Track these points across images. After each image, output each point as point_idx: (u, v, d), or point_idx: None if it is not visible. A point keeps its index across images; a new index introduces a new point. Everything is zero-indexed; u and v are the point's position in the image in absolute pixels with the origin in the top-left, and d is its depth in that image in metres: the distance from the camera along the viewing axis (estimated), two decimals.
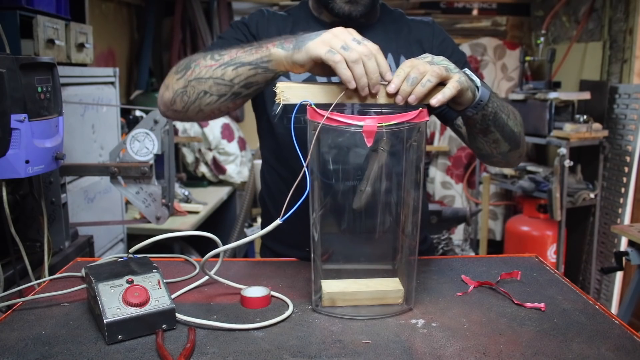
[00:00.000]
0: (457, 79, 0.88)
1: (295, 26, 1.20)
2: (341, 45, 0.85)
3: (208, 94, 0.99)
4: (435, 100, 0.87)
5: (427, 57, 0.91)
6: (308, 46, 0.87)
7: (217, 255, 0.93)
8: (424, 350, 0.79)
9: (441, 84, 0.88)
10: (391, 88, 0.86)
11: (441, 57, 0.91)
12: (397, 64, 1.17)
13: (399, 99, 0.86)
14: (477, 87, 0.95)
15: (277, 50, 0.92)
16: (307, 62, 0.88)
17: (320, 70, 0.90)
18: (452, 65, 0.90)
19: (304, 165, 0.83)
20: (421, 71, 0.86)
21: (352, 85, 0.84)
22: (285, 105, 0.88)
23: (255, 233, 0.89)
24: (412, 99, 0.86)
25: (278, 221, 0.86)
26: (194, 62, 1.01)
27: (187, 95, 1.00)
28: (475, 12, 3.88)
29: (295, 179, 0.83)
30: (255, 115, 1.27)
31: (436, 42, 1.22)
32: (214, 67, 0.97)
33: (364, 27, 1.17)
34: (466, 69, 0.96)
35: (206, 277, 1.01)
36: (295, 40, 0.91)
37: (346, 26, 0.90)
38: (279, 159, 1.23)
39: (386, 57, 1.16)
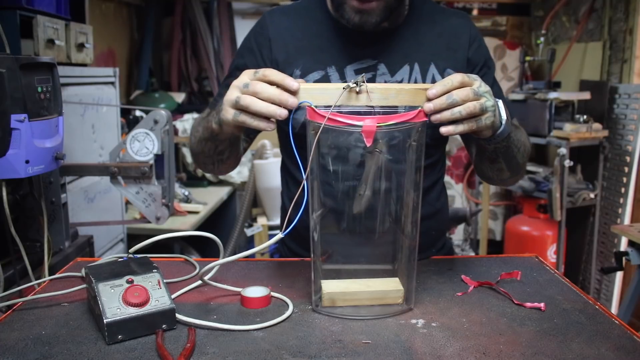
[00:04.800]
0: (477, 120, 0.89)
1: (307, 21, 1.16)
2: (234, 100, 0.87)
3: (205, 164, 1.16)
4: (445, 130, 0.89)
5: (476, 81, 0.90)
6: (220, 116, 0.92)
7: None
8: (424, 350, 0.79)
9: None
10: (432, 93, 0.86)
11: (487, 88, 0.90)
12: (425, 74, 1.13)
13: (429, 107, 0.86)
14: (502, 123, 0.95)
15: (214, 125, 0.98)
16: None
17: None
18: (490, 102, 0.89)
19: (303, 175, 0.83)
20: (462, 97, 0.86)
21: (262, 127, 0.87)
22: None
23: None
24: (435, 119, 0.88)
25: (280, 235, 0.87)
26: (192, 130, 1.17)
27: (199, 163, 1.19)
28: (475, 12, 3.88)
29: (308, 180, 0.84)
30: None
31: (471, 52, 1.16)
32: (195, 142, 1.13)
33: (387, 32, 1.13)
34: (500, 102, 0.94)
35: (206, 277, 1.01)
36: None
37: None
38: (291, 158, 1.24)
39: (412, 68, 1.13)
